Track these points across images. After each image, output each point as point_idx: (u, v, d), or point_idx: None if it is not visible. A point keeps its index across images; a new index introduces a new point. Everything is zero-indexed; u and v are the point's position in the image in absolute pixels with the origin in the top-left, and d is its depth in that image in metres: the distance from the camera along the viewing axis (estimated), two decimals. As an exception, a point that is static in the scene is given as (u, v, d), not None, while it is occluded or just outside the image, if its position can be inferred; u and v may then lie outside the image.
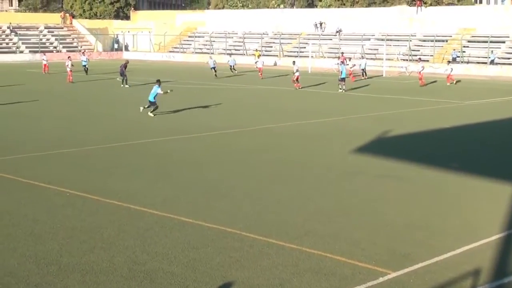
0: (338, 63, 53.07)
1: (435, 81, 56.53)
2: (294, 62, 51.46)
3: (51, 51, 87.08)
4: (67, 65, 53.66)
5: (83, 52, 70.55)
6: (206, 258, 12.60)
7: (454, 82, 54.24)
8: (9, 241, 13.56)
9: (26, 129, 28.95)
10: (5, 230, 14.30)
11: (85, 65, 60.40)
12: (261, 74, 58.92)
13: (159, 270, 11.98)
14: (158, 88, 32.81)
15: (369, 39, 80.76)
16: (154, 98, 32.71)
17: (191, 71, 67.50)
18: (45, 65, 63.44)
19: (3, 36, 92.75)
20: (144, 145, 25.23)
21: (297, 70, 49.19)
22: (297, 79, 49.08)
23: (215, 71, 59.27)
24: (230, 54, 71.94)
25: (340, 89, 47.38)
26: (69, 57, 57.33)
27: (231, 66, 63.54)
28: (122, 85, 49.70)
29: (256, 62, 63.30)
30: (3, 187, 18.34)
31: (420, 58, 65.74)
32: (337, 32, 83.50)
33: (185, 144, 25.64)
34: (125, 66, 50.60)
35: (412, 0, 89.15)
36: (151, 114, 32.61)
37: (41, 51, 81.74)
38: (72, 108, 36.69)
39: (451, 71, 54.57)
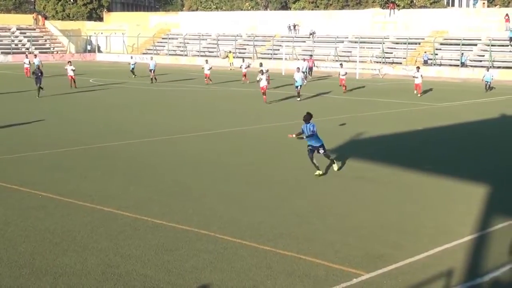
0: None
1: (404, 84, 56.92)
2: (261, 63, 55.22)
3: (23, 53, 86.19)
4: (68, 69, 49.68)
5: (35, 55, 69.05)
6: (179, 261, 12.56)
7: (420, 94, 47.07)
8: (-20, 244, 13.42)
9: (5, 130, 28.70)
10: (-24, 233, 14.16)
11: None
12: (245, 78, 56.88)
13: (132, 273, 11.91)
14: None
15: (342, 42, 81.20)
16: None
17: (165, 73, 67.18)
18: (27, 68, 61.43)
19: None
20: (117, 147, 25.10)
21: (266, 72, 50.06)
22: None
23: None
24: (206, 60, 62.86)
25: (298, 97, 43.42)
26: (69, 61, 53.03)
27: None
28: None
29: (240, 66, 58.95)
30: (-26, 189, 18.15)
31: (341, 64, 56.48)
32: (310, 34, 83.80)
33: (158, 147, 25.55)
34: (40, 71, 45.04)
35: (385, 3, 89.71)
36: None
37: (26, 53, 75.25)
38: (45, 111, 36.40)
39: (421, 79, 47.86)
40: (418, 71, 48.54)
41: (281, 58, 73.69)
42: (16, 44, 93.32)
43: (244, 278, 11.74)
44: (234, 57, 79.66)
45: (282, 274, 11.91)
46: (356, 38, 78.95)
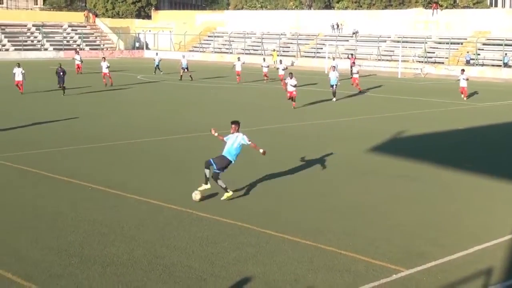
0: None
1: (449, 83, 56.28)
2: (280, 61, 54.06)
3: (74, 49, 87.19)
4: (103, 66, 48.18)
5: (76, 51, 68.06)
6: (223, 253, 12.64)
7: (465, 98, 43.58)
8: (32, 233, 13.67)
9: (50, 125, 29.12)
10: (29, 223, 14.42)
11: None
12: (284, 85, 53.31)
13: (177, 264, 12.03)
14: None
15: (385, 41, 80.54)
16: None
17: (210, 70, 67.42)
18: (78, 65, 60.02)
19: (28, 34, 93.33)
20: (159, 142, 25.31)
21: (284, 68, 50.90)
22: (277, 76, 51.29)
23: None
24: (239, 58, 60.22)
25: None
26: (103, 57, 51.25)
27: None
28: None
29: (277, 69, 53.17)
30: (28, 180, 18.48)
31: (354, 62, 56.17)
32: (353, 33, 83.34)
33: (203, 141, 25.67)
34: (62, 70, 42.11)
35: (428, 3, 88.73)
36: None
37: (76, 50, 74.31)
38: (90, 106, 36.88)
39: (466, 82, 43.86)
40: (462, 73, 44.40)
41: (324, 57, 73.38)
42: (68, 41, 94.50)
43: (285, 271, 11.77)
44: (278, 55, 79.57)
45: (323, 269, 11.91)
46: (398, 37, 78.24)
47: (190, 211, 15.46)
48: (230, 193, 16.51)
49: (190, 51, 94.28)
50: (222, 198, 16.43)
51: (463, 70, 46.00)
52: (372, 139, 26.41)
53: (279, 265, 12.04)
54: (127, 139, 25.44)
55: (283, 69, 50.59)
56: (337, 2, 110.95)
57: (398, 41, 76.89)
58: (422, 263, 12.29)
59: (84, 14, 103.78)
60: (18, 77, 40.71)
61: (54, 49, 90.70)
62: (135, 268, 11.79)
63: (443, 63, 72.72)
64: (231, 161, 16.79)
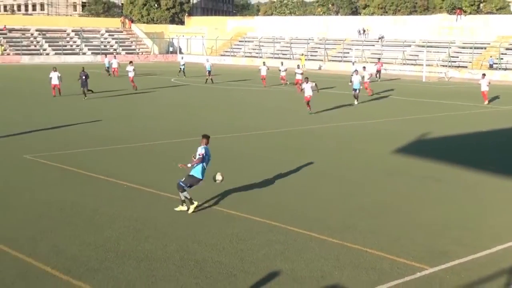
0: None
1: (473, 87, 55.75)
2: (282, 63, 54.85)
3: (111, 53, 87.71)
4: (129, 70, 47.44)
5: (114, 56, 67.14)
6: (252, 250, 12.64)
7: (486, 102, 42.34)
8: (71, 229, 13.78)
9: (84, 125, 29.37)
10: (67, 219, 14.54)
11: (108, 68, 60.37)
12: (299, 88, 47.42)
13: (208, 260, 12.04)
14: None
15: (410, 46, 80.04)
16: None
17: (239, 73, 67.48)
18: (114, 68, 59.72)
19: (68, 39, 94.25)
20: (191, 143, 25.34)
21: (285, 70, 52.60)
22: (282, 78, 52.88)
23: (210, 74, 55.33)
24: (282, 62, 58.61)
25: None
26: (130, 61, 50.36)
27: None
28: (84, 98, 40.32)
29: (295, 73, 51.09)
30: (67, 179, 18.65)
31: (364, 67, 52.65)
32: (379, 38, 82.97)
33: (234, 142, 25.74)
34: (85, 73, 40.64)
35: (452, 9, 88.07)
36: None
37: (112, 54, 74.45)
38: (123, 108, 37.12)
39: (486, 87, 42.53)
40: (483, 78, 43.28)
41: (351, 61, 73.11)
42: (105, 45, 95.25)
43: (312, 268, 11.74)
44: (306, 59, 79.47)
45: (349, 266, 11.86)
46: (423, 42, 77.71)
47: (221, 209, 15.49)
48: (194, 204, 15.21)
49: (221, 55, 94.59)
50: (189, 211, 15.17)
51: (484, 75, 45.15)
52: (397, 140, 26.25)
53: (306, 262, 12.01)
54: (160, 140, 25.54)
55: (300, 74, 49.17)
56: (364, 8, 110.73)
57: (422, 46, 76.35)
58: (445, 261, 12.17)
59: (121, 20, 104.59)
60: (55, 81, 40.84)
61: (92, 53, 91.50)
62: (167, 263, 11.83)
63: (466, 67, 72.02)
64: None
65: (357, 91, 40.58)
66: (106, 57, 66.13)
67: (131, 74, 46.99)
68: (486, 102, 42.61)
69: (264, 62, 56.72)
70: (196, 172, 15.26)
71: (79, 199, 16.26)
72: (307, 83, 35.08)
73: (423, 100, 44.73)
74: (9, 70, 67.69)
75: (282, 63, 56.49)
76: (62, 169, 19.83)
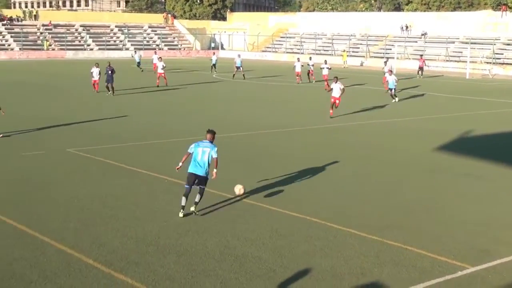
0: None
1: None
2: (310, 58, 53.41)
3: (153, 49, 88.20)
4: (158, 66, 47.00)
5: (155, 51, 67.00)
6: (292, 245, 12.64)
7: None
8: (112, 222, 13.95)
9: (128, 120, 29.68)
10: (109, 212, 14.72)
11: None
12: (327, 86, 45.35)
13: (248, 255, 12.08)
14: None
15: (453, 42, 79.00)
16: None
17: (279, 70, 67.41)
18: (155, 64, 56.11)
19: (111, 34, 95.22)
20: (237, 138, 25.45)
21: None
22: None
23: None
24: (310, 57, 59.19)
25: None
26: (160, 57, 49.84)
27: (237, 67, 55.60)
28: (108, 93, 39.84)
29: (294, 67, 52.00)
30: (109, 172, 18.87)
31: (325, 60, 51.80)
32: (422, 35, 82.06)
33: (274, 138, 25.74)
34: (111, 69, 39.94)
35: (497, 5, 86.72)
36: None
37: (155, 51, 74.05)
38: (168, 103, 37.37)
39: None
40: None
41: (393, 57, 72.50)
42: (148, 41, 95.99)
43: (352, 265, 11.69)
44: (347, 55, 79.03)
45: (389, 263, 11.78)
46: (467, 39, 76.64)
47: (261, 205, 15.51)
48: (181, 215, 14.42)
49: (263, 51, 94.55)
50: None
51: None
52: (439, 138, 25.98)
53: (346, 259, 11.97)
54: (202, 135, 25.59)
55: (328, 69, 47.84)
56: (406, 4, 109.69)
57: (466, 43, 75.31)
58: (487, 260, 12.03)
59: (163, 16, 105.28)
60: (96, 76, 40.62)
61: (134, 48, 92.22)
62: (207, 257, 11.90)
63: (511, 64, 70.85)
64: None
65: (392, 90, 39.50)
66: (135, 52, 66.58)
67: (160, 70, 46.24)
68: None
69: (298, 58, 55.48)
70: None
71: (121, 193, 16.44)
72: (336, 82, 31.35)
73: (466, 97, 44.13)
74: (53, 65, 68.66)
75: (310, 58, 56.00)
76: (104, 163, 20.07)
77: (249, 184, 17.37)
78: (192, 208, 14.53)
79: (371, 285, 10.93)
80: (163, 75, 46.25)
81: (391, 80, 39.69)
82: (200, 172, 14.51)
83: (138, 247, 12.37)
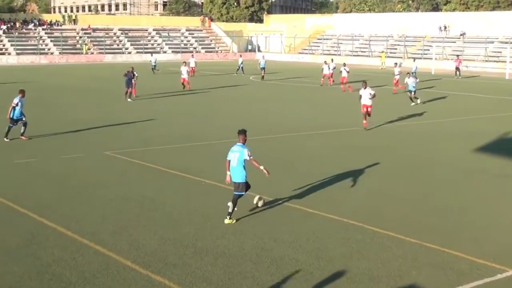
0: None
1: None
2: (344, 63, 48.93)
3: (191, 52, 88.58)
4: (182, 71, 45.78)
5: (192, 55, 67.24)
6: (329, 248, 12.60)
7: None
8: (150, 224, 14.05)
9: (164, 123, 29.88)
10: (147, 214, 14.83)
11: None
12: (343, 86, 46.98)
13: (285, 257, 12.07)
14: None
15: (492, 42, 77.96)
16: None
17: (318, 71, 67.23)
18: (192, 68, 56.69)
19: (149, 37, 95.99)
20: (271, 140, 25.45)
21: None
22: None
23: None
24: (332, 59, 59.38)
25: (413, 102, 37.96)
26: (184, 62, 48.59)
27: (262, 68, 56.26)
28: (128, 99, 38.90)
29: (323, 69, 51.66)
30: (146, 175, 19.01)
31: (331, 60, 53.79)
32: (461, 35, 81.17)
33: (307, 140, 25.68)
34: (132, 73, 39.21)
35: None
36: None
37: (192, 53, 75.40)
38: (196, 106, 37.53)
39: None
40: None
41: (431, 58, 71.86)
42: (185, 44, 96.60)
43: (389, 267, 11.61)
44: (386, 56, 78.49)
45: (427, 266, 11.67)
46: (506, 38, 75.58)
47: (298, 207, 15.49)
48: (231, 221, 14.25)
49: (300, 53, 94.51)
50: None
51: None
52: (477, 139, 25.67)
53: (383, 261, 11.90)
54: (230, 138, 25.61)
55: (347, 71, 46.96)
56: (445, 4, 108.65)
57: (506, 42, 74.26)
58: (527, 263, 11.85)
59: (200, 19, 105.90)
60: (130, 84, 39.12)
61: (172, 51, 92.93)
62: (244, 259, 11.92)
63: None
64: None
65: (412, 93, 37.87)
66: (152, 55, 66.62)
67: (184, 76, 45.30)
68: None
69: (325, 61, 54.04)
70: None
71: (158, 195, 16.56)
72: (365, 88, 27.82)
73: (506, 98, 43.51)
74: (92, 69, 69.43)
75: (332, 60, 54.57)
76: (141, 165, 20.24)
77: (286, 186, 17.37)
78: (227, 220, 14.16)
79: (408, 288, 10.85)
80: (186, 80, 45.35)
81: (411, 82, 37.89)
82: (235, 178, 14.29)
83: (176, 249, 12.45)
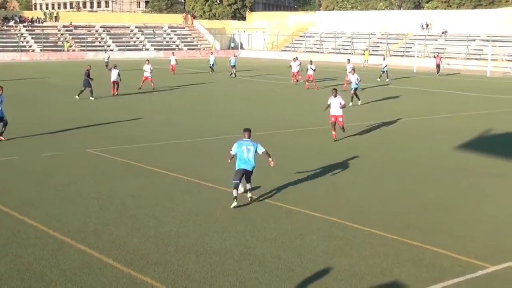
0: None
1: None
2: (311, 61, 47.63)
3: (173, 49, 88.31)
4: (145, 69, 44.33)
5: (173, 53, 66.67)
6: (311, 245, 12.63)
7: None
8: (132, 222, 14.01)
9: (147, 120, 29.79)
10: (129, 212, 14.79)
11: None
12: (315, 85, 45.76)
13: (267, 254, 12.08)
14: None
15: (474, 40, 78.46)
16: None
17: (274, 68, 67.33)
18: (172, 65, 57.71)
19: (131, 35, 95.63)
20: (256, 138, 25.40)
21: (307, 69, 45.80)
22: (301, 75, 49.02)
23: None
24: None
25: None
26: (147, 60, 47.19)
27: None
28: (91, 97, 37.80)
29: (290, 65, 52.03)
30: (128, 173, 18.95)
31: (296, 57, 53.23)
32: (442, 33, 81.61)
33: (292, 137, 25.70)
34: (88, 73, 38.42)
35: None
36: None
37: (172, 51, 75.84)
38: (180, 104, 37.45)
39: None
40: None
41: (413, 56, 72.22)
42: (167, 41, 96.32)
43: (372, 264, 11.66)
44: (369, 54, 78.66)
45: (409, 263, 11.73)
46: (488, 36, 76.08)
47: (280, 204, 15.51)
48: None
49: (282, 50, 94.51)
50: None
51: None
52: (460, 136, 25.83)
53: (365, 259, 11.94)
54: (221, 135, 25.65)
55: (313, 69, 45.61)
56: (427, 2, 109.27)
57: (487, 40, 74.79)
58: (508, 259, 11.94)
59: (183, 16, 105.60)
60: (114, 78, 40.04)
61: (154, 49, 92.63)
62: (227, 257, 11.92)
63: (533, 61, 70.27)
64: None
65: (355, 90, 36.06)
66: (105, 52, 67.00)
67: (146, 74, 43.98)
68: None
69: (294, 58, 52.93)
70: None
71: (141, 193, 16.50)
72: (335, 96, 24.70)
73: (487, 95, 43.82)
74: (74, 66, 69.01)
75: (296, 58, 53.01)
76: (124, 163, 20.17)
77: (268, 183, 17.37)
78: (249, 195, 15.72)
79: (390, 284, 10.89)
80: (149, 79, 43.89)
81: (354, 79, 36.39)
82: (249, 167, 15.52)
83: (158, 247, 12.42)
